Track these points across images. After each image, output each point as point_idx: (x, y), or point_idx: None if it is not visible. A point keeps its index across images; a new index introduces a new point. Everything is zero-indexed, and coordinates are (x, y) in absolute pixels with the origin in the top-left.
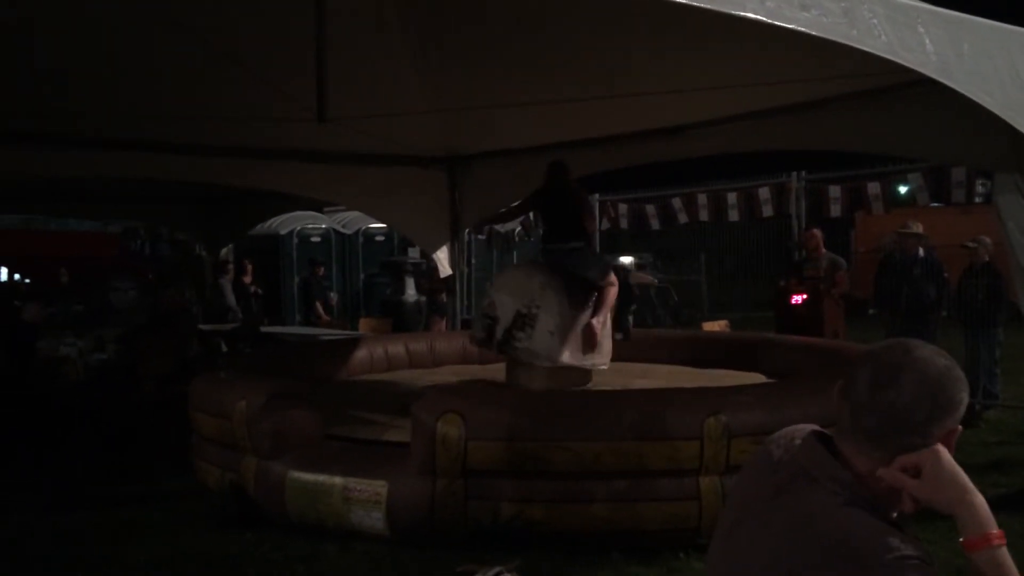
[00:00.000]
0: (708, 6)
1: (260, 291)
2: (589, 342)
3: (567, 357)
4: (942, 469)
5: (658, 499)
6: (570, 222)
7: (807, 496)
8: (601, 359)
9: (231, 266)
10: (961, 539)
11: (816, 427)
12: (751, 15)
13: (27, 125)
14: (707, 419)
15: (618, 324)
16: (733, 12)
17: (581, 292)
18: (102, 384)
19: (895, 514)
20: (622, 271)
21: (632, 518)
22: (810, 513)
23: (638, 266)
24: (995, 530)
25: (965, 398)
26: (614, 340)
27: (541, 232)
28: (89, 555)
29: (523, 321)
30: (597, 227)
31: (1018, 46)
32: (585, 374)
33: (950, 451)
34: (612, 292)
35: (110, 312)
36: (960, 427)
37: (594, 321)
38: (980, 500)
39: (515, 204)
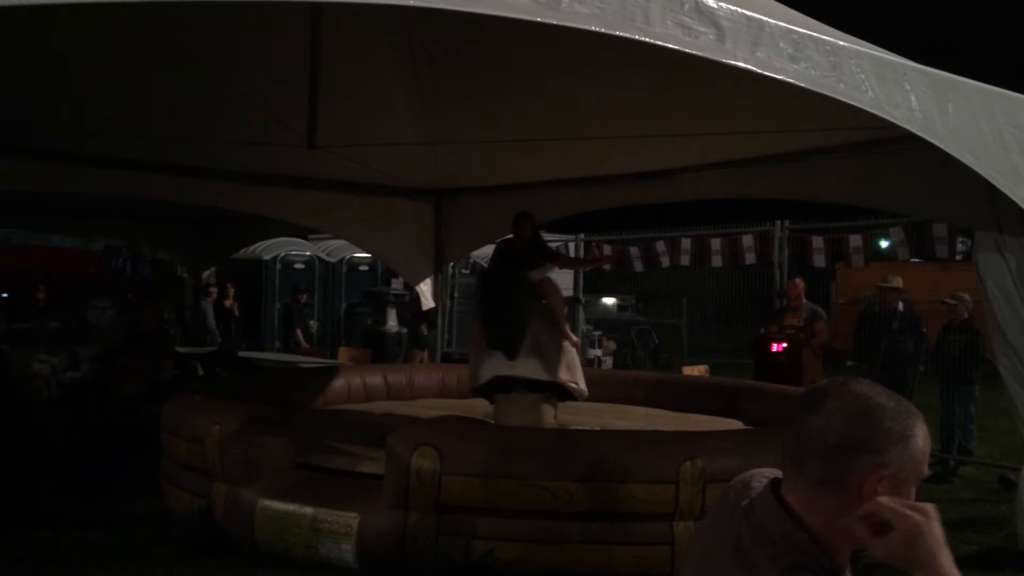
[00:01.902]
0: (700, 54)
1: (237, 313)
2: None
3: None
4: (920, 538)
5: (631, 542)
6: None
7: (758, 554)
8: (578, 377)
9: (213, 289)
10: None
11: (776, 473)
12: (741, 64)
13: (13, 139)
14: (683, 463)
15: None
16: (724, 61)
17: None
18: (74, 402)
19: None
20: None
21: (604, 560)
22: (757, 572)
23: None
24: None
25: (896, 442)
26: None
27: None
28: (49, 574)
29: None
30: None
31: (1001, 108)
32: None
33: (868, 499)
34: (551, 290)
35: (87, 330)
36: (886, 473)
37: (561, 327)
38: None
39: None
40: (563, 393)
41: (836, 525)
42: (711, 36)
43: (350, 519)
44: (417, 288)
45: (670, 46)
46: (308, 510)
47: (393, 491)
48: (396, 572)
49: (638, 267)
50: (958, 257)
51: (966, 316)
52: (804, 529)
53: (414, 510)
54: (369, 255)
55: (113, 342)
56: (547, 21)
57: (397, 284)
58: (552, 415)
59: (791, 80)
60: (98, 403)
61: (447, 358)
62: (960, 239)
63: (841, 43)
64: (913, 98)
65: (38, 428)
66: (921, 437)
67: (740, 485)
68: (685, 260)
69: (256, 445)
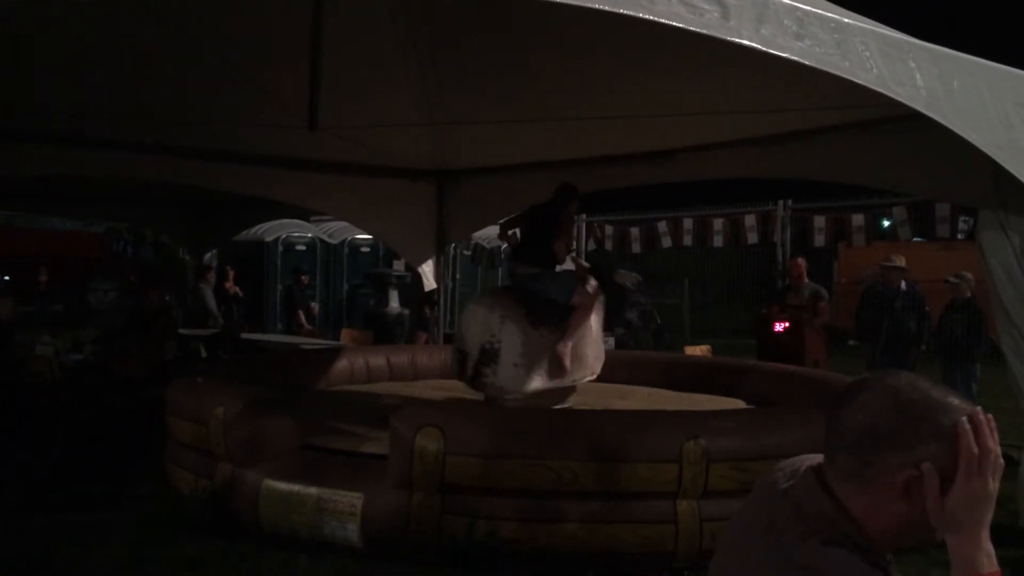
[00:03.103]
0: (704, 31)
1: (240, 294)
2: (559, 367)
3: (537, 383)
4: (978, 505)
5: (635, 521)
6: (537, 247)
7: (790, 531)
8: (584, 372)
9: (213, 271)
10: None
11: (822, 459)
12: (746, 42)
13: (15, 122)
14: (686, 443)
15: (609, 326)
16: (728, 39)
17: (550, 315)
18: (77, 385)
19: (888, 556)
20: (605, 270)
21: (608, 540)
22: (789, 548)
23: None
24: (991, 570)
25: (925, 439)
26: (606, 347)
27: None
28: (55, 558)
29: (487, 357)
30: (567, 254)
31: (1007, 85)
32: (562, 393)
33: (903, 503)
34: (582, 313)
35: (89, 313)
36: (916, 473)
37: (559, 346)
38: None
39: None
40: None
41: (872, 516)
42: (715, 14)
43: (354, 499)
44: (419, 269)
45: (674, 24)
46: (312, 490)
47: (397, 471)
48: (400, 551)
49: (638, 248)
50: (960, 236)
51: (968, 295)
52: (842, 510)
53: (418, 490)
54: (371, 236)
55: (115, 325)
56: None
57: (399, 265)
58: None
59: (795, 58)
60: (101, 386)
61: (449, 339)
62: (963, 218)
63: (846, 20)
64: (918, 76)
65: (42, 411)
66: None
67: (789, 468)
68: (687, 240)
69: (260, 426)
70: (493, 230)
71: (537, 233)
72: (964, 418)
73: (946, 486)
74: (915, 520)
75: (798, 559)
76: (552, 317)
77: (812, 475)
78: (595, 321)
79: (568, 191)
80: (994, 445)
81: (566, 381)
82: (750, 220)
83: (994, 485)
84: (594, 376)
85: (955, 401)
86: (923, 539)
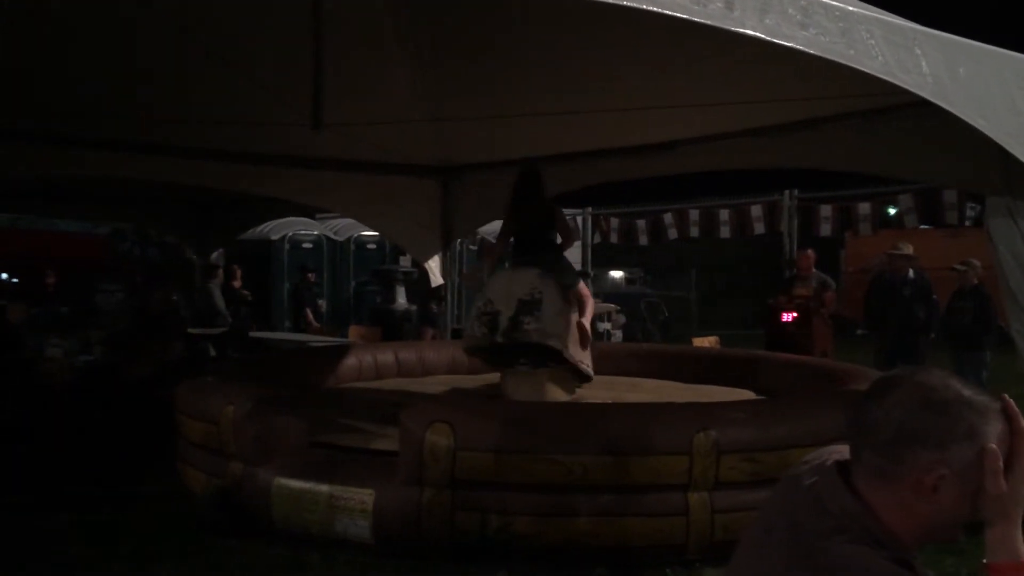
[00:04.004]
0: (708, 22)
1: (248, 296)
2: (583, 340)
3: (571, 344)
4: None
5: (645, 514)
6: (540, 234)
7: (814, 529)
8: (590, 365)
9: (220, 270)
10: (990, 561)
11: (848, 453)
12: (750, 32)
13: (18, 123)
14: (696, 435)
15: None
16: (732, 28)
17: (567, 293)
18: (87, 385)
19: (915, 555)
20: None
21: (619, 533)
22: (812, 546)
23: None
24: None
25: (958, 439)
26: (612, 340)
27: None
28: (69, 557)
29: (528, 307)
30: (573, 241)
31: (1013, 71)
32: (583, 378)
33: (945, 498)
34: (590, 300)
35: (96, 314)
36: (946, 472)
37: (584, 320)
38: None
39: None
40: (576, 372)
41: (896, 515)
42: (719, 4)
43: (365, 496)
44: (425, 265)
45: (678, 15)
46: (324, 488)
47: (408, 468)
48: (412, 547)
49: (645, 240)
50: (968, 223)
51: (976, 282)
52: (865, 506)
53: (429, 486)
54: (377, 233)
55: (123, 325)
56: None
57: (405, 262)
58: (561, 392)
59: (800, 47)
60: (110, 386)
61: (457, 334)
62: (970, 205)
63: (851, 8)
64: (924, 63)
65: (53, 412)
66: (995, 437)
67: (815, 461)
68: (693, 232)
69: (270, 425)
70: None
71: (530, 227)
72: (1004, 400)
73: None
74: (941, 520)
75: (822, 558)
76: (570, 297)
77: (836, 471)
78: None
79: (530, 173)
80: None
81: (584, 364)
82: (756, 211)
83: None
84: (591, 379)
85: (987, 401)
86: (946, 538)
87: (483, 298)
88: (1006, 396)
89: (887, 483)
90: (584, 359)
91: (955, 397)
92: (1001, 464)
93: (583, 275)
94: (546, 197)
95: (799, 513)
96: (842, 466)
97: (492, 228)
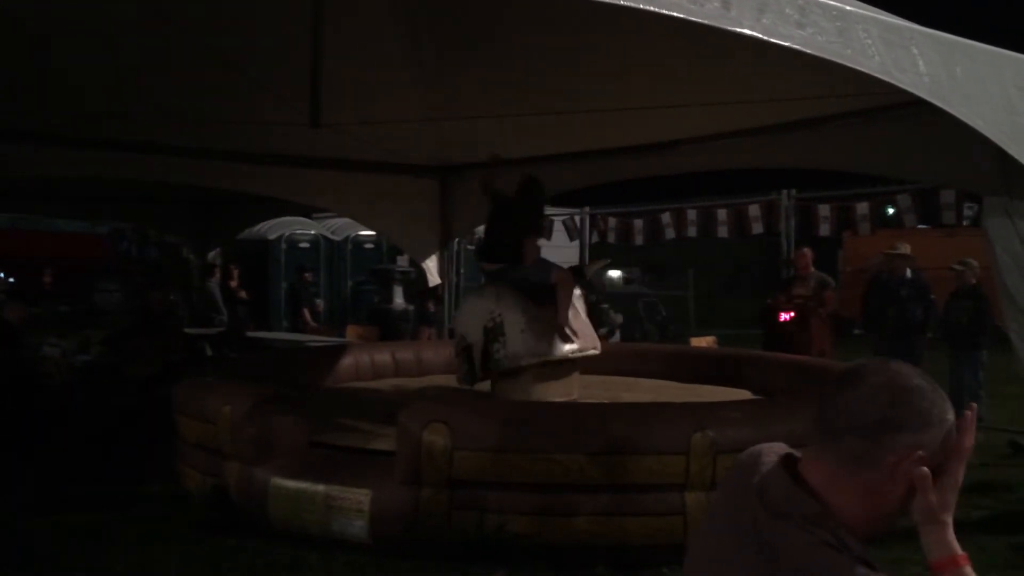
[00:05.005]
0: (705, 21)
1: (245, 296)
2: (561, 333)
3: (546, 348)
4: (962, 476)
5: (643, 514)
6: (504, 244)
7: (775, 538)
8: (587, 344)
9: (217, 269)
10: (931, 560)
11: (785, 448)
12: (747, 32)
13: (18, 123)
14: (694, 434)
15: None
16: (730, 28)
17: (537, 295)
18: (85, 385)
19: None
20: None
21: (617, 532)
22: (778, 552)
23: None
24: (961, 552)
25: (934, 423)
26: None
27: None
28: (67, 556)
29: (493, 333)
30: (536, 252)
31: (1010, 70)
32: (572, 365)
33: (908, 479)
34: (565, 288)
35: (95, 313)
36: (923, 454)
37: (556, 318)
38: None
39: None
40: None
41: (861, 501)
42: (716, 3)
43: (362, 496)
44: (423, 265)
45: (675, 15)
46: (321, 488)
47: (405, 467)
48: (409, 547)
49: (641, 240)
50: (965, 223)
51: (973, 282)
52: (822, 505)
53: (426, 486)
54: (374, 233)
55: (122, 325)
56: None
57: (403, 261)
58: (558, 390)
59: (797, 47)
60: (109, 386)
61: (454, 334)
62: (967, 204)
63: (848, 8)
64: (920, 62)
65: (51, 412)
66: (953, 421)
67: (749, 461)
68: (691, 231)
69: (268, 425)
70: None
71: (503, 229)
72: (967, 412)
73: (946, 469)
74: (896, 504)
75: (787, 562)
76: (539, 297)
77: (785, 473)
78: (580, 305)
79: (531, 185)
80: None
81: (571, 351)
82: (754, 210)
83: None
84: (597, 352)
85: (944, 393)
86: (890, 524)
87: (457, 334)
88: (974, 407)
89: (863, 467)
90: (573, 348)
91: (928, 385)
92: (931, 482)
93: (577, 273)
94: (526, 215)
95: (759, 522)
96: (787, 462)
97: None
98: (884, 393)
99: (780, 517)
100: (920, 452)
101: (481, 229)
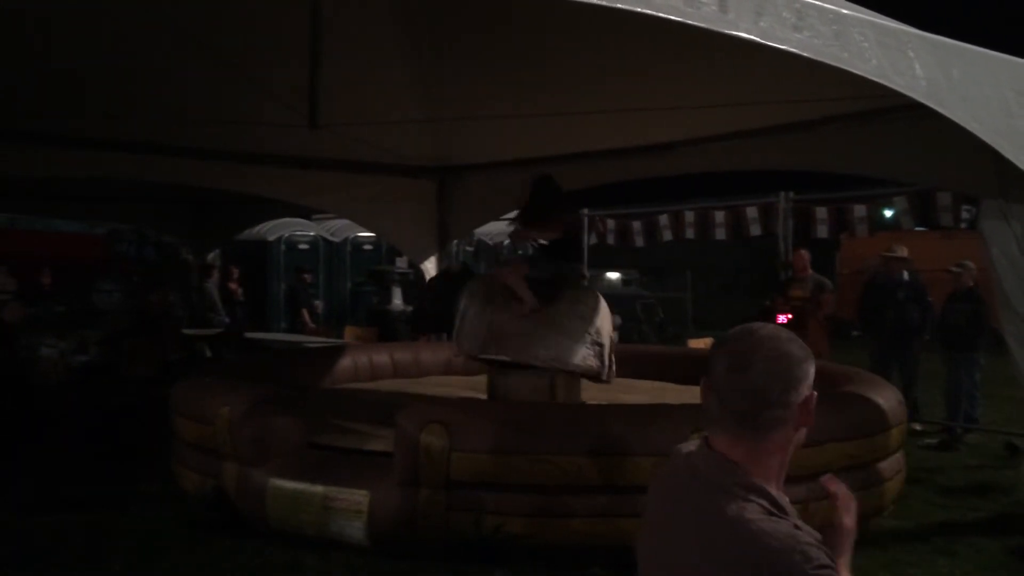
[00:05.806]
0: (702, 24)
1: (242, 298)
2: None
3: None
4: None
5: (640, 515)
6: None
7: (719, 513)
8: (540, 355)
9: (216, 270)
10: None
11: (690, 446)
12: (744, 35)
13: (17, 124)
14: (691, 435)
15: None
16: (727, 31)
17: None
18: (83, 386)
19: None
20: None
21: (614, 533)
22: (730, 528)
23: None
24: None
25: (809, 366)
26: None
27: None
28: (64, 557)
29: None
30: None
31: (1006, 74)
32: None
33: (810, 417)
34: (509, 278)
35: (93, 314)
36: (815, 393)
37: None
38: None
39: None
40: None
41: (779, 458)
42: (713, 7)
43: (360, 497)
44: (422, 266)
45: (672, 18)
46: (319, 489)
47: (403, 468)
48: (407, 548)
49: (640, 241)
50: (963, 225)
51: (971, 284)
52: (748, 473)
53: (424, 487)
54: (373, 234)
55: (120, 325)
56: None
57: (402, 263)
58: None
59: (794, 50)
60: (107, 386)
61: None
62: (964, 207)
63: (844, 11)
64: (917, 65)
65: (48, 412)
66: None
67: (680, 460)
68: (689, 233)
69: (266, 425)
70: (495, 226)
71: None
72: (833, 489)
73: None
74: (801, 441)
75: (734, 534)
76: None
77: (712, 452)
78: (606, 325)
79: (542, 183)
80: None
81: (523, 358)
82: (752, 212)
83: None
84: (565, 367)
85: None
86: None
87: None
88: (831, 479)
89: (778, 428)
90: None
91: (784, 332)
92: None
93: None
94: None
95: (700, 503)
96: (707, 443)
97: (488, 229)
98: (776, 363)
99: (719, 489)
100: (813, 392)
101: (480, 230)
